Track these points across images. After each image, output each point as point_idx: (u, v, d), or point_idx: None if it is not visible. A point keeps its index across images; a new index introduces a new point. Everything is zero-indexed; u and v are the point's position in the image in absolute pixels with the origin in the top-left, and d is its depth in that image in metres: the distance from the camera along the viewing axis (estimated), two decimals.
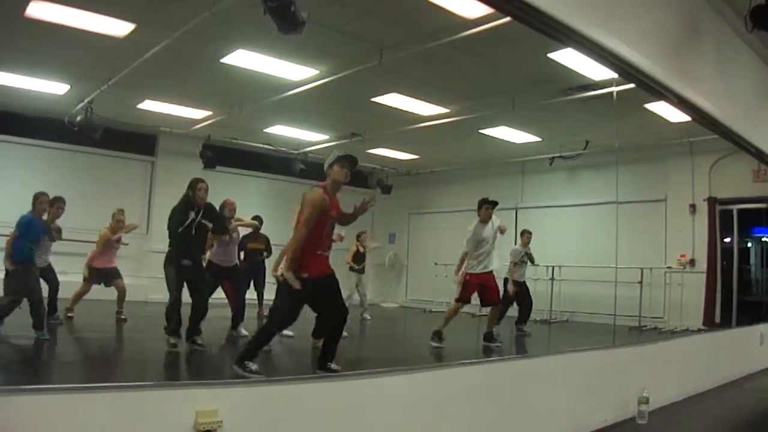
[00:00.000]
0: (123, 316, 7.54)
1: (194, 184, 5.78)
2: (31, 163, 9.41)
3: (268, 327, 4.42)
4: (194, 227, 5.64)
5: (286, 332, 6.59)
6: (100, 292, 7.97)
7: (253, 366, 4.04)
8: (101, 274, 7.57)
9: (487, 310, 7.67)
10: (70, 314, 7.38)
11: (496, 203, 7.09)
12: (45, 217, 6.20)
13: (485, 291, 6.97)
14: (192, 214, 5.63)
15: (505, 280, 8.84)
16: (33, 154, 9.98)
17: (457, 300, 7.02)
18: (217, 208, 6.88)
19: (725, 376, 6.74)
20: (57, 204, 6.43)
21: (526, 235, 9.03)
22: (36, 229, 5.98)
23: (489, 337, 7.10)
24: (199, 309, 5.73)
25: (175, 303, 5.59)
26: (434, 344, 6.77)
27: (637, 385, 4.82)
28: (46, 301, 6.53)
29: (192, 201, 5.71)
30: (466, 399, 3.71)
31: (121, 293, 7.62)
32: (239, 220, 7.07)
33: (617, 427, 4.68)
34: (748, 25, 4.95)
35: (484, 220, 6.98)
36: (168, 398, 2.59)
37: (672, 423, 4.98)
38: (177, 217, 5.63)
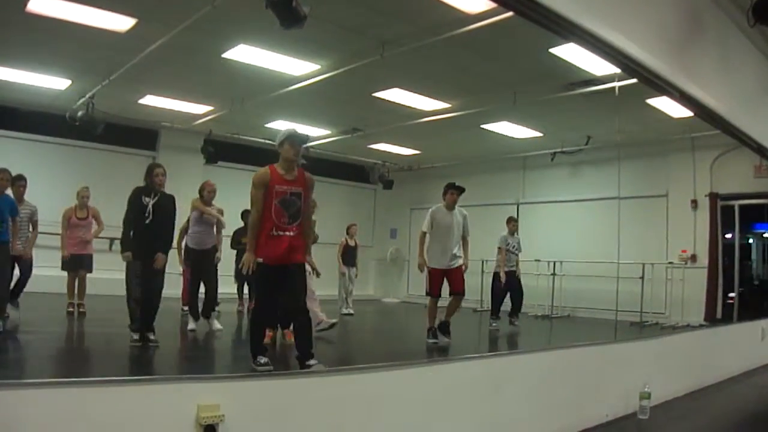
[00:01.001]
0: (82, 309, 7.39)
1: (151, 169, 5.57)
2: (32, 158, 9.40)
3: (253, 316, 4.48)
4: (149, 214, 5.37)
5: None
6: (101, 286, 7.98)
7: (262, 359, 4.10)
8: (73, 260, 7.39)
9: (486, 307, 7.59)
10: (81, 309, 7.38)
11: (462, 189, 6.64)
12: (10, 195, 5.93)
13: (450, 280, 6.58)
14: (148, 200, 5.39)
15: (495, 275, 8.71)
16: (34, 150, 9.97)
17: (427, 294, 6.69)
18: (216, 202, 6.92)
19: (727, 372, 6.74)
20: (18, 182, 6.36)
21: (512, 222, 8.76)
22: None
23: (444, 328, 6.64)
24: (150, 301, 5.42)
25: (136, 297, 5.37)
26: (432, 341, 6.52)
27: (639, 381, 4.82)
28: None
29: (148, 187, 5.48)
30: (468, 393, 3.72)
31: (81, 284, 7.45)
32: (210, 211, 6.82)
33: (619, 423, 4.68)
34: (750, 20, 4.93)
35: (448, 206, 6.61)
36: (170, 392, 2.59)
37: (673, 418, 4.98)
38: (128, 204, 5.41)
